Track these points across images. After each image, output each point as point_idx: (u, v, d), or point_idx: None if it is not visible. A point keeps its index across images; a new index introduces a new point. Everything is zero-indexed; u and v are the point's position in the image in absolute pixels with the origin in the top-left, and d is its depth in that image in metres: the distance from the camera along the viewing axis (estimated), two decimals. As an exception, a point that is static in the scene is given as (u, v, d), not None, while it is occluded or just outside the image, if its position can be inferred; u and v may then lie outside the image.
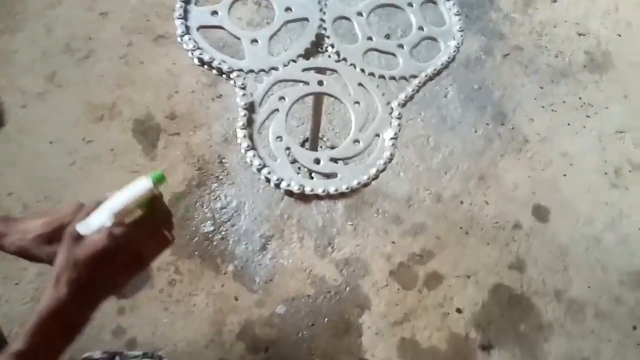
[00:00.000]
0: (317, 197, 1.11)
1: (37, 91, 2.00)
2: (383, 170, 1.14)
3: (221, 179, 1.89)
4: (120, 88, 2.03)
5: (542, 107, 2.11)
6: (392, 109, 1.19)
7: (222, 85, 2.07)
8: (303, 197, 1.12)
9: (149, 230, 0.68)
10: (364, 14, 1.30)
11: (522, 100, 2.11)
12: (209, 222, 1.80)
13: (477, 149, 2.02)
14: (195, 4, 1.27)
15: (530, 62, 2.21)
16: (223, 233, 1.77)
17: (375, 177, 1.12)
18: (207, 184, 1.87)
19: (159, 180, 0.66)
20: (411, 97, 1.23)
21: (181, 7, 1.24)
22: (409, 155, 1.99)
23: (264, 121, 1.17)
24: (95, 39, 2.12)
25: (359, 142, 1.16)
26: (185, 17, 1.25)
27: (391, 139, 1.16)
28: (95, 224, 0.65)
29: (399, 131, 1.18)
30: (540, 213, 1.89)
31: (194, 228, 1.78)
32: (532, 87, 2.15)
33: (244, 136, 1.13)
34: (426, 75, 1.23)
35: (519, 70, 2.19)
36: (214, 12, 1.26)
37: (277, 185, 1.10)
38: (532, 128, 2.06)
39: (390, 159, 1.14)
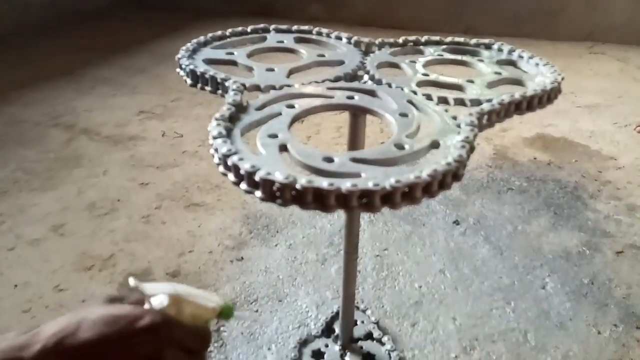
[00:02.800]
0: (318, 197, 0.58)
1: (33, 237, 1.70)
2: (451, 174, 0.62)
3: (209, 352, 1.28)
4: (127, 242, 1.69)
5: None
6: (461, 121, 0.74)
7: (248, 248, 1.66)
8: (291, 200, 0.60)
9: (189, 344, 0.48)
10: (417, 62, 0.99)
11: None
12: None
13: (608, 357, 1.29)
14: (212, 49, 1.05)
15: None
16: None
17: (432, 176, 0.60)
18: (189, 354, 1.26)
19: (227, 312, 0.53)
20: (491, 116, 0.78)
21: (192, 45, 1.02)
22: (498, 352, 1.30)
23: (255, 122, 0.76)
24: (123, 201, 1.91)
25: (403, 147, 0.68)
26: (193, 53, 1.01)
27: (462, 141, 0.67)
28: (149, 289, 0.49)
29: (474, 138, 0.69)
30: None
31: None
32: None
33: (218, 125, 0.71)
34: (516, 97, 0.81)
35: (644, 270, 1.60)
36: (230, 53, 1.02)
37: (250, 178, 0.61)
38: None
39: (461, 161, 0.63)
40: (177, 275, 1.55)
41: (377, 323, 1.37)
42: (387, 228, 1.78)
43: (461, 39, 1.08)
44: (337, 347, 1.28)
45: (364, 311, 1.40)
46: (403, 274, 1.58)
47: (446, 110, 0.78)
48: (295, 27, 1.13)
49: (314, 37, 1.12)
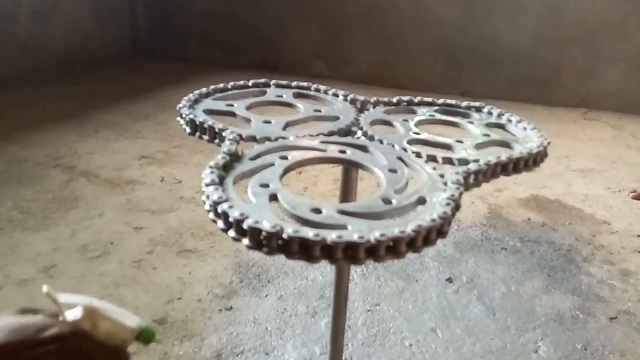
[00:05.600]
0: (304, 247, 0.59)
1: (22, 278, 1.69)
2: (436, 230, 0.63)
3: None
4: (116, 287, 1.67)
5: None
6: (447, 180, 0.76)
7: (238, 298, 1.64)
8: (278, 249, 0.61)
9: None
10: (409, 121, 1.02)
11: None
12: None
13: None
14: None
15: (651, 335, 1.61)
16: None
17: (416, 231, 0.61)
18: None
19: (148, 336, 0.50)
20: (478, 175, 0.80)
21: (194, 96, 1.06)
22: (488, 417, 1.26)
23: (248, 172, 0.78)
24: (116, 244, 1.91)
25: (390, 202, 0.70)
26: (194, 104, 1.05)
27: (447, 199, 0.69)
28: (64, 299, 0.48)
29: (460, 196, 0.71)
30: None
31: None
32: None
33: (211, 172, 0.73)
34: (503, 159, 0.83)
35: (638, 338, 1.57)
36: (230, 105, 1.06)
37: (239, 225, 0.62)
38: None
39: (446, 218, 0.65)
40: (163, 323, 1.52)
41: (364, 381, 1.34)
42: (380, 283, 1.77)
43: (453, 101, 1.12)
44: (322, 405, 1.25)
45: (351, 368, 1.37)
46: (394, 331, 1.55)
47: (434, 168, 0.80)
48: (294, 83, 1.18)
49: (312, 93, 1.16)
